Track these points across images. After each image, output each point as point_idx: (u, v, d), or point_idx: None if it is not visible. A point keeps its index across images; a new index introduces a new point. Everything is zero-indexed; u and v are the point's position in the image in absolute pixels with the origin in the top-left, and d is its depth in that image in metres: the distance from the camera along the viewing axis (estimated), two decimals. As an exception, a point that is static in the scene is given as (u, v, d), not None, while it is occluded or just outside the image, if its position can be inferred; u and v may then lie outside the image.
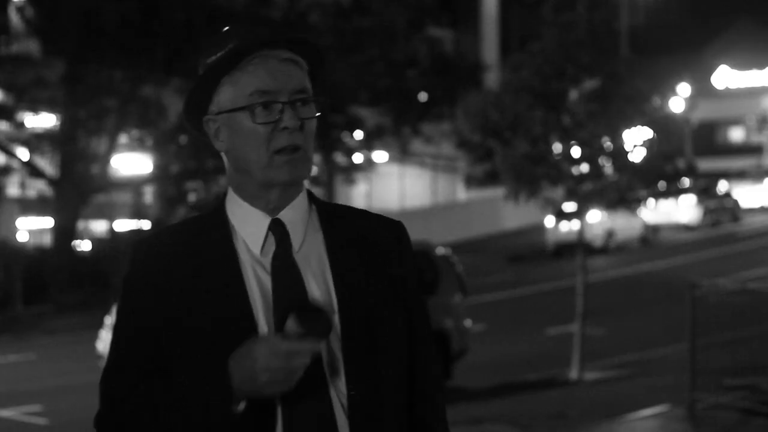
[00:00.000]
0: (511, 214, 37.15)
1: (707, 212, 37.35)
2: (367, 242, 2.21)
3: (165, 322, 2.14)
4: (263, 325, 2.10)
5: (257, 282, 2.13)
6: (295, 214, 2.18)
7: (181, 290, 2.13)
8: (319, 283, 2.14)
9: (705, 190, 38.06)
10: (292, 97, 2.10)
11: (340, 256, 2.18)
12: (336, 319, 2.11)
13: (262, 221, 2.16)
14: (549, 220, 32.30)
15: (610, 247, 32.38)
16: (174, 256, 2.16)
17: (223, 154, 2.20)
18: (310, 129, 2.14)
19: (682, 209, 36.88)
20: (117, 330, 2.24)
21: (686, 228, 36.73)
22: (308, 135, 2.14)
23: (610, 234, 32.47)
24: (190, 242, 2.17)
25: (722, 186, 39.80)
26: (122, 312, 2.23)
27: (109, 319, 12.23)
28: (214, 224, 2.19)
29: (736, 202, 39.29)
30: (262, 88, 2.08)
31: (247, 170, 2.13)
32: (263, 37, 2.10)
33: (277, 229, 2.16)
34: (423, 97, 35.58)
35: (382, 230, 2.25)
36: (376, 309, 2.16)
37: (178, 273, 2.15)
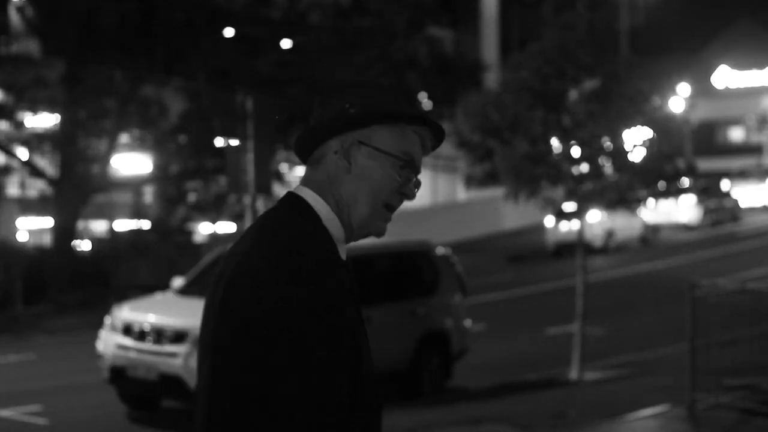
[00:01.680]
0: (511, 214, 37.16)
1: (707, 212, 37.33)
2: None
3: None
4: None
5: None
6: None
7: (354, 330, 2.09)
8: None
9: (705, 190, 38.02)
10: (419, 173, 2.27)
11: None
12: None
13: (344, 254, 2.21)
14: (549, 220, 32.28)
15: (610, 247, 32.36)
16: (348, 287, 2.09)
17: (333, 172, 2.20)
18: None
19: (682, 209, 36.85)
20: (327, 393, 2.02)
21: (686, 228, 36.72)
22: None
23: (609, 234, 32.45)
24: (339, 269, 2.09)
25: (724, 185, 39.77)
26: (332, 361, 2.02)
27: (109, 320, 12.12)
28: (328, 243, 2.14)
29: (736, 201, 39.28)
30: (413, 156, 2.23)
31: (362, 201, 2.18)
32: (441, 132, 2.26)
33: (348, 261, 2.21)
34: (423, 97, 35.57)
35: None
36: None
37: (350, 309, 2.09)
